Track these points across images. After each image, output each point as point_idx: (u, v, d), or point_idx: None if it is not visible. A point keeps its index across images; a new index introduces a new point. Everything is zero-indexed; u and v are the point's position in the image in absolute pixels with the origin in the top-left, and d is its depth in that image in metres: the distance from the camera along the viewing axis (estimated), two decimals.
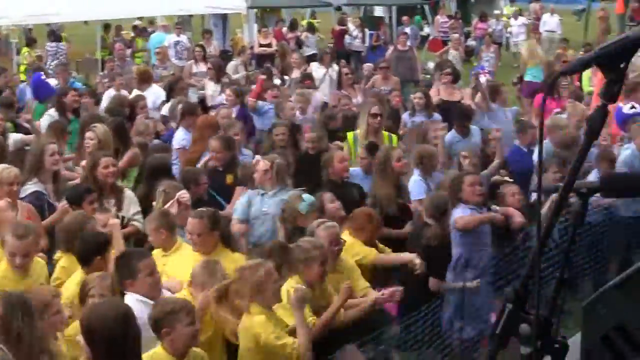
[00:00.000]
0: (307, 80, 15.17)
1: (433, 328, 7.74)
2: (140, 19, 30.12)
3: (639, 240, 10.03)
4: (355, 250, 7.79)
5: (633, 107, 12.28)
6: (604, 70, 2.33)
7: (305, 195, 8.07)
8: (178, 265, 7.14)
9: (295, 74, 17.51)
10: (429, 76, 25.08)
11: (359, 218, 7.96)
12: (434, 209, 8.17)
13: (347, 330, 6.81)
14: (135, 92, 14.49)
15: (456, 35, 26.51)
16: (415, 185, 9.45)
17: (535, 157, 10.58)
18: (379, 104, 11.59)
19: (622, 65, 2.34)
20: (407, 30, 26.83)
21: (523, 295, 2.63)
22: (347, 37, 27.06)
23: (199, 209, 7.52)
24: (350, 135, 11.21)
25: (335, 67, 17.25)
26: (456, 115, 12.09)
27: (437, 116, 13.02)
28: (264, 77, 14.87)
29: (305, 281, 6.61)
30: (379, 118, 10.92)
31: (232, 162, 9.89)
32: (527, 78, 19.00)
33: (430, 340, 7.78)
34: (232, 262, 7.06)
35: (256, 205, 8.77)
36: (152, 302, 5.99)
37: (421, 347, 7.74)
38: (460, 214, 8.22)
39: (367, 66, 20.10)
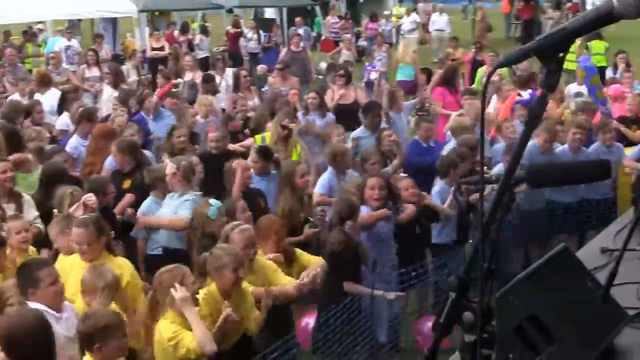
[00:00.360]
0: (210, 81, 15.06)
1: (343, 327, 7.79)
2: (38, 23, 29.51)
3: (540, 233, 10.26)
4: None
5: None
6: (542, 60, 2.39)
7: (213, 201, 8.02)
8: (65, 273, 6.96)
9: (188, 76, 17.40)
10: (321, 77, 25.29)
11: (263, 226, 7.91)
12: (337, 213, 8.24)
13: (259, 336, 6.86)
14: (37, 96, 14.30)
15: (348, 36, 26.77)
16: (324, 180, 9.62)
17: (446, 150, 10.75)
18: (289, 115, 11.43)
19: (560, 55, 2.40)
20: (300, 31, 26.93)
21: (466, 284, 2.67)
22: (241, 39, 27.06)
23: (82, 217, 7.37)
24: (258, 138, 11.27)
25: (229, 71, 17.17)
26: (368, 109, 12.21)
27: (330, 116, 13.12)
28: (175, 81, 14.68)
29: (219, 288, 6.56)
30: (286, 130, 10.92)
31: (135, 167, 9.77)
32: (399, 77, 19.42)
33: (340, 340, 7.84)
34: (117, 267, 6.98)
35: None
36: (54, 312, 5.94)
37: (331, 347, 7.79)
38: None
39: (261, 67, 20.16)
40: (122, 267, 7.11)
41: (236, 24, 28.16)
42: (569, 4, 38.00)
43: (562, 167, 3.29)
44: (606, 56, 20.98)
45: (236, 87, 15.14)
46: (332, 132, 11.23)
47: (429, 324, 8.65)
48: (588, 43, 21.27)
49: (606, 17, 2.33)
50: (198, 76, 17.06)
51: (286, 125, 10.90)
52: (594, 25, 2.38)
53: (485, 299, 2.65)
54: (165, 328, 6.07)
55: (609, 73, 18.51)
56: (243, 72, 15.78)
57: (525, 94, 12.54)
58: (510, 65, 2.54)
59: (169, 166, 8.91)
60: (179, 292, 6.02)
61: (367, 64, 21.32)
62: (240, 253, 6.83)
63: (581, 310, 4.77)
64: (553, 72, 2.40)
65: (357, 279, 8.19)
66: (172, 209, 8.70)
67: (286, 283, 7.31)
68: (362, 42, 31.29)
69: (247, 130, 12.24)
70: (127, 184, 9.65)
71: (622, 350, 4.91)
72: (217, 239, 7.36)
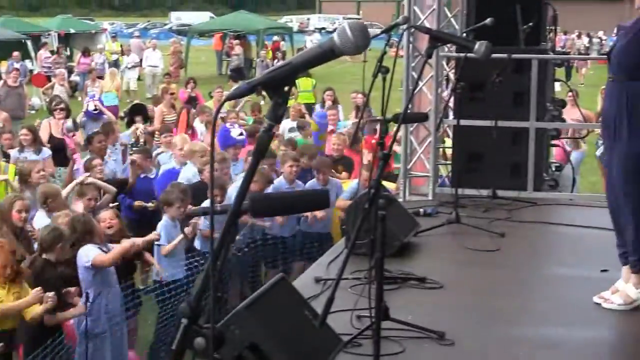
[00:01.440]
0: None
1: None
2: None
3: (258, 264, 10.45)
4: None
5: (241, 134, 12.91)
6: (269, 93, 2.49)
7: None
8: None
9: None
10: (34, 112, 24.61)
11: None
12: (39, 242, 8.06)
13: None
14: None
15: (61, 71, 26.25)
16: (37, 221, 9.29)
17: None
18: None
19: (286, 89, 2.51)
20: (17, 65, 26.12)
21: (197, 310, 2.70)
22: None
23: None
24: None
25: None
26: (90, 140, 12.19)
27: (46, 151, 12.78)
28: None
29: None
30: None
31: None
32: (106, 102, 19.62)
33: None
34: None
35: None
36: None
37: None
38: (94, 253, 8.13)
39: None
40: None
41: None
42: (271, 43, 39.39)
43: (284, 197, 3.41)
44: (314, 93, 21.82)
45: None
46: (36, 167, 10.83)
47: None
48: (296, 80, 22.03)
49: (329, 54, 2.47)
50: None
51: None
52: (317, 61, 2.50)
53: (217, 325, 2.69)
54: None
55: (317, 109, 19.20)
56: None
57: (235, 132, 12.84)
58: (239, 98, 2.62)
59: None
60: None
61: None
62: None
63: (299, 338, 4.95)
64: (279, 105, 2.51)
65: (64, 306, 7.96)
66: None
67: None
68: (75, 77, 30.80)
69: None
70: None
71: None
72: None
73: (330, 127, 14.68)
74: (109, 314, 8.21)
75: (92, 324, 8.00)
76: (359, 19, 78.40)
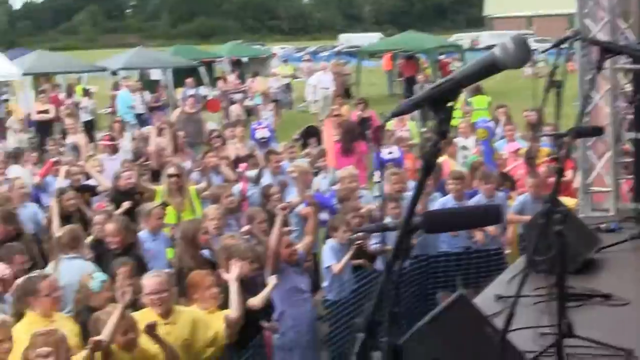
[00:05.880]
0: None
1: None
2: None
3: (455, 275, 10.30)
4: None
5: (390, 152, 12.93)
6: (434, 109, 2.48)
7: (96, 274, 7.70)
8: None
9: (70, 139, 17.33)
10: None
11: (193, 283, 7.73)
12: None
13: None
14: None
15: (238, 96, 26.85)
16: None
17: None
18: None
19: (450, 105, 2.49)
20: (192, 92, 26.74)
21: (373, 325, 2.71)
22: None
23: None
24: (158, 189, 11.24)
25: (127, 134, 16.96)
26: None
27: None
28: (54, 159, 14.12)
29: None
30: (175, 178, 10.95)
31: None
32: None
33: None
34: None
35: None
36: None
37: None
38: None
39: (146, 129, 19.77)
40: None
41: (116, 86, 28.04)
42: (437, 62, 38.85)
43: (456, 213, 3.38)
44: (489, 110, 21.39)
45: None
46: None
47: None
48: (469, 99, 21.67)
49: (490, 67, 2.43)
50: (80, 138, 17.00)
51: (174, 173, 10.99)
52: (479, 75, 2.48)
53: (393, 339, 2.68)
54: None
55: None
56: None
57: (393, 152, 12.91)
58: (402, 115, 2.61)
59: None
60: None
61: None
62: None
63: (481, 355, 4.89)
64: (444, 121, 2.49)
65: None
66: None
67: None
68: (249, 102, 31.37)
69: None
70: None
71: None
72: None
73: (508, 145, 14.29)
74: (297, 329, 8.51)
75: (282, 338, 8.38)
76: (531, 34, 77.27)
